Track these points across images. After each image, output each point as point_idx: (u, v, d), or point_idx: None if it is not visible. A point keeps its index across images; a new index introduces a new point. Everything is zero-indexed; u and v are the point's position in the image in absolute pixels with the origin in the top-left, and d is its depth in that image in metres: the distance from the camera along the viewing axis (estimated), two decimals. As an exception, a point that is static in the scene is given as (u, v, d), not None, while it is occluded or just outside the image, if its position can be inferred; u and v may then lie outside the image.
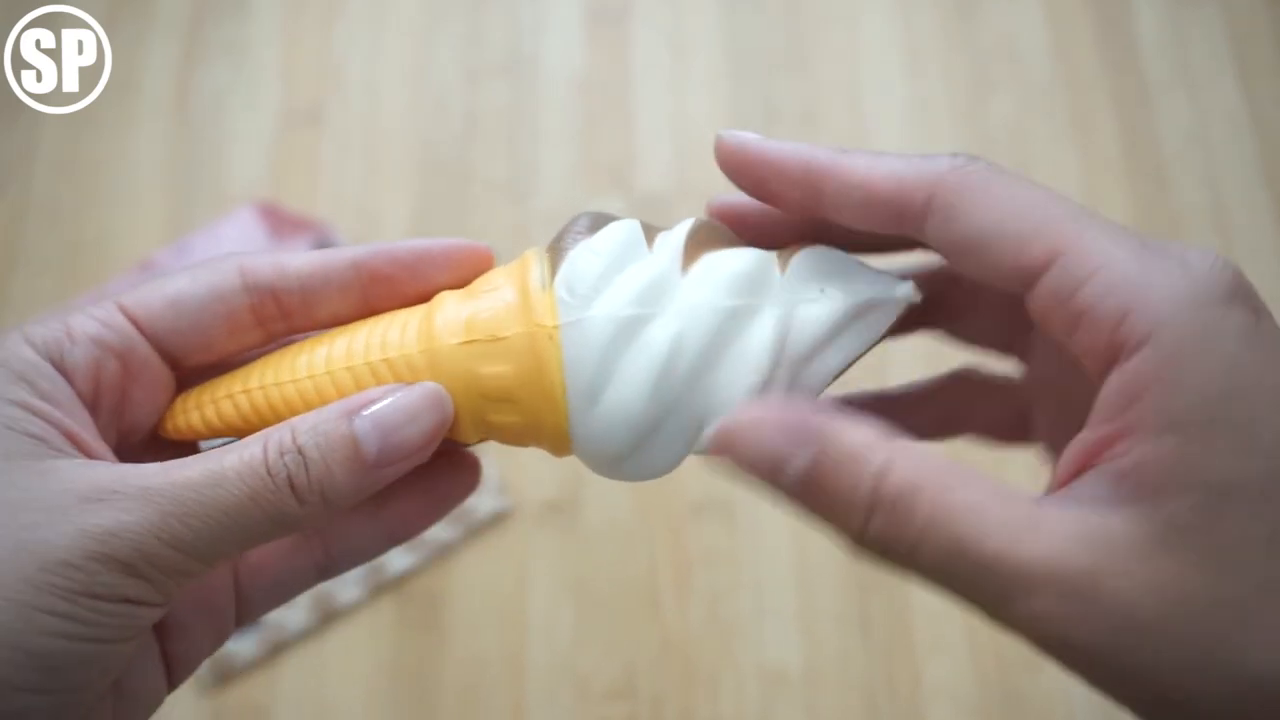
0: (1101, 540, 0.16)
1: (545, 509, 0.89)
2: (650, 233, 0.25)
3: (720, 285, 0.23)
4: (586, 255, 0.23)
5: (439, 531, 0.87)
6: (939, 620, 0.82)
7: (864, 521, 0.18)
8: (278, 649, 0.85)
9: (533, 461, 0.90)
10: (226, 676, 0.84)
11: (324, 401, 0.24)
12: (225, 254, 0.25)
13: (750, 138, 0.24)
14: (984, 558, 0.17)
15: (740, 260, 0.23)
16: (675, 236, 0.24)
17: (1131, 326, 0.17)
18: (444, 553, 0.88)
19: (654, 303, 0.23)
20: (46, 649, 0.19)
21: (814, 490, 0.18)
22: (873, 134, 1.03)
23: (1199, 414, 0.16)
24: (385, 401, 0.22)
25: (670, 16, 1.10)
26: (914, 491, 0.17)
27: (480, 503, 0.88)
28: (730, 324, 0.23)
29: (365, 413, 0.22)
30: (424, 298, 0.25)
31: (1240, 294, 0.18)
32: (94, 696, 0.21)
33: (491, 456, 0.90)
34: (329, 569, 0.27)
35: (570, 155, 1.04)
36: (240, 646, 0.84)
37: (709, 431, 0.23)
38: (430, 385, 0.23)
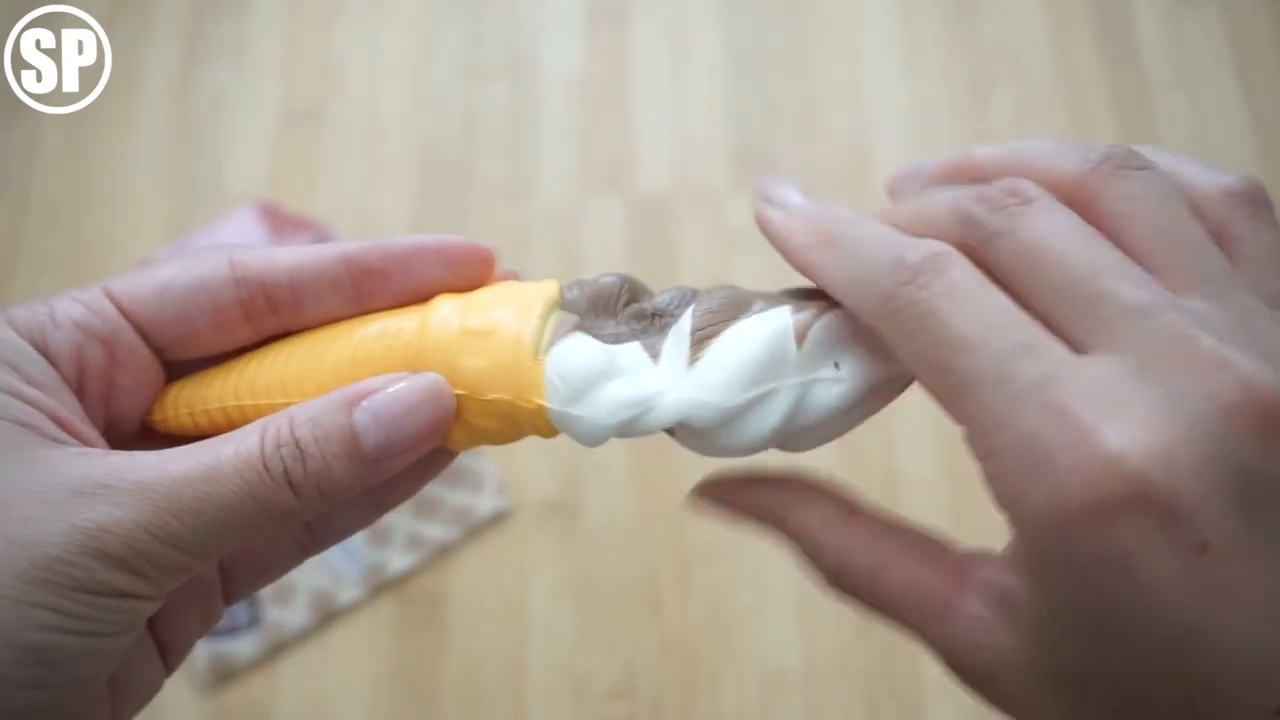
0: (996, 651, 0.20)
1: (545, 509, 0.89)
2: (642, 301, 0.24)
3: (731, 383, 0.22)
4: (587, 348, 0.23)
5: (439, 532, 0.87)
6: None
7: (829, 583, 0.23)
8: (278, 649, 0.85)
9: (533, 461, 0.90)
10: (226, 676, 0.84)
11: None
12: (217, 245, 0.25)
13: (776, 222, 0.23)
14: (910, 624, 0.22)
15: (753, 346, 0.23)
16: (680, 331, 0.23)
17: (1011, 518, 0.18)
18: (444, 553, 0.88)
19: (650, 401, 0.23)
20: (42, 644, 0.19)
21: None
22: (873, 134, 1.03)
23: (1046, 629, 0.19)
24: (386, 392, 0.22)
25: (670, 16, 1.10)
26: (853, 582, 0.22)
27: (480, 503, 0.88)
28: (738, 412, 0.23)
29: (365, 404, 0.22)
30: (419, 295, 0.24)
31: (1110, 508, 0.17)
32: (93, 690, 0.21)
33: (491, 456, 0.90)
34: (311, 546, 0.26)
35: (570, 155, 1.04)
36: (240, 646, 0.84)
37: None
38: (432, 376, 0.22)
